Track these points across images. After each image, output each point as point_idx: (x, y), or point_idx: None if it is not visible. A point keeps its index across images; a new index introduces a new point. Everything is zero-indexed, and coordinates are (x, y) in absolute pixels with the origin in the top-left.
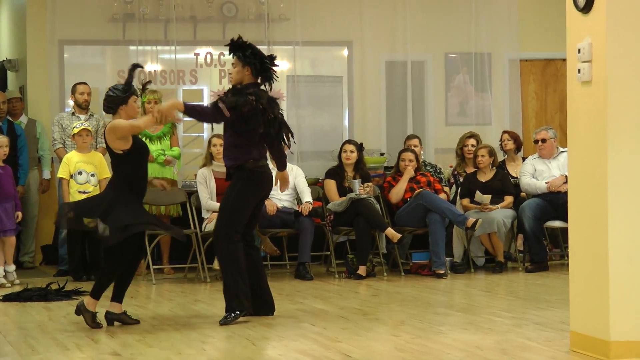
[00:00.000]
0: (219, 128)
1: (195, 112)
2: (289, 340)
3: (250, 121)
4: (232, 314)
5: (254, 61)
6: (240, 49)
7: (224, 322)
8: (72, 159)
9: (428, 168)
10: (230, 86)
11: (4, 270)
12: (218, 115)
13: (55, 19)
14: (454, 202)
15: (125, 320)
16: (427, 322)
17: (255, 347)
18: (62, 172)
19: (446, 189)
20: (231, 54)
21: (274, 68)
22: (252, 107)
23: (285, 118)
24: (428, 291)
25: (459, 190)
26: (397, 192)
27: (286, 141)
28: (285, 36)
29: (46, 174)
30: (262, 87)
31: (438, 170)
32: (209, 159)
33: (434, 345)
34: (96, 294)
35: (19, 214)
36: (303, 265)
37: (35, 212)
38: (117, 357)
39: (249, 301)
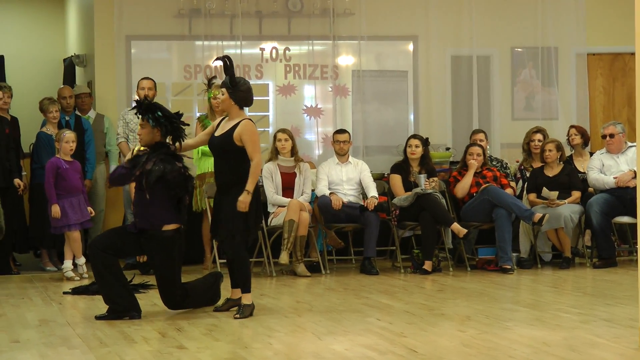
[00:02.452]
0: (284, 123)
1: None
2: (355, 335)
3: (176, 188)
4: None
5: (164, 123)
6: (149, 110)
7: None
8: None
9: (494, 163)
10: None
11: (74, 264)
12: (126, 180)
13: (122, 14)
14: (520, 197)
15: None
16: (493, 318)
17: (321, 341)
18: None
19: (512, 184)
20: (138, 116)
21: (183, 127)
22: (178, 174)
23: (351, 113)
24: (494, 287)
25: (525, 185)
26: (463, 187)
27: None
28: (350, 31)
29: (113, 169)
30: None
31: (504, 165)
32: (275, 153)
33: (501, 341)
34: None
35: (91, 209)
36: (368, 260)
37: (102, 206)
38: (184, 350)
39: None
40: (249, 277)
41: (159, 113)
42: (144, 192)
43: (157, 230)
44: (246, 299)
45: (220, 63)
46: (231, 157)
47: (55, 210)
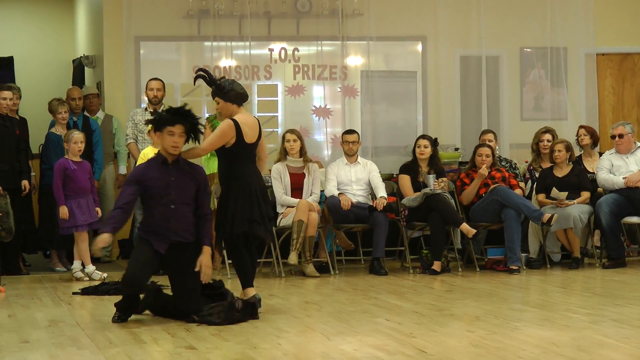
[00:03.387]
0: (293, 124)
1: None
2: (364, 336)
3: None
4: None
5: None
6: (188, 117)
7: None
8: (148, 155)
9: (503, 163)
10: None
11: (82, 266)
12: None
13: (131, 15)
14: (529, 197)
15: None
16: (503, 318)
17: (330, 342)
18: None
19: (521, 184)
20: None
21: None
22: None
23: (359, 113)
24: (503, 287)
25: (534, 185)
26: (468, 194)
27: None
28: (359, 31)
29: (122, 169)
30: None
31: (513, 166)
32: (284, 154)
33: (510, 342)
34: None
35: (99, 210)
36: (377, 261)
37: (111, 207)
38: (193, 351)
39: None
40: (246, 271)
41: (194, 121)
42: (178, 206)
43: (192, 240)
44: (246, 294)
45: (201, 76)
46: (219, 155)
47: (63, 211)
